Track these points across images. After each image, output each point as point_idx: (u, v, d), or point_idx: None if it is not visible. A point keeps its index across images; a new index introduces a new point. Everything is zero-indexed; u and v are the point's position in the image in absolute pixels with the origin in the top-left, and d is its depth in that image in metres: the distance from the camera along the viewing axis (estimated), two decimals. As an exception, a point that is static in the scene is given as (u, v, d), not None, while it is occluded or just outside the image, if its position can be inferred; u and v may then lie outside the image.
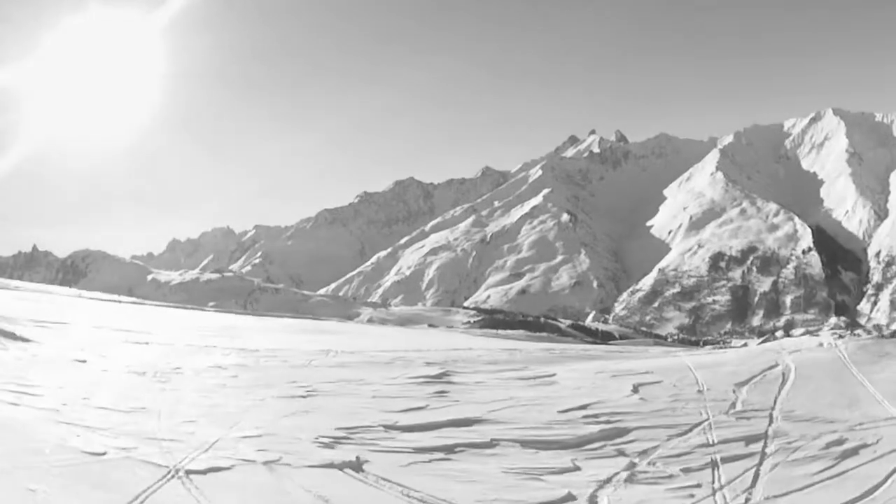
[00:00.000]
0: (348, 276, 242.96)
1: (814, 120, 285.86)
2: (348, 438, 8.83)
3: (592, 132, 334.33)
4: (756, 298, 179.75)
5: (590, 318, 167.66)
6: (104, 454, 7.41)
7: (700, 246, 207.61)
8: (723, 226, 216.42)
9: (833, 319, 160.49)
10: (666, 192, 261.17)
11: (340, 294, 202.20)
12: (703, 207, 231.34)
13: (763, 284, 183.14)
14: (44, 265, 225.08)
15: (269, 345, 21.24)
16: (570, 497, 6.60)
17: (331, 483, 7.05)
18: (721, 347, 41.07)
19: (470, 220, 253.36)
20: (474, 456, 8.25)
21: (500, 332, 42.42)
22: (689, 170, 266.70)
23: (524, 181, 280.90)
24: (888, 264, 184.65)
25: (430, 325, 69.19)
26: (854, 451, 8.16)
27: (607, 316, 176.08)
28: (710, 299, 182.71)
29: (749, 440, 8.61)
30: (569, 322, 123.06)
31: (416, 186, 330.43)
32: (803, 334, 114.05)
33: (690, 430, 9.10)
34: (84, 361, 15.51)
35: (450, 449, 8.45)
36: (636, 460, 7.88)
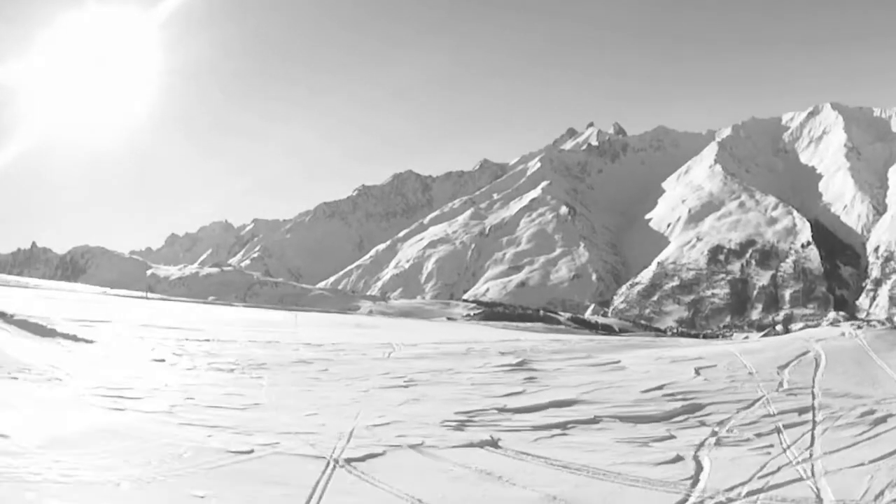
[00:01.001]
0: (347, 269, 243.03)
1: (812, 114, 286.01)
2: (471, 421, 9.77)
3: (591, 125, 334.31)
4: (755, 292, 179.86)
5: (589, 311, 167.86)
6: (251, 452, 7.61)
7: (699, 239, 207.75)
8: (721, 219, 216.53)
9: (832, 314, 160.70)
10: (664, 184, 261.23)
11: (339, 287, 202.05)
12: (702, 200, 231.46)
13: (762, 278, 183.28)
14: (43, 262, 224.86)
15: (328, 339, 22.08)
16: (679, 458, 7.78)
17: (479, 459, 7.75)
18: (725, 340, 41.26)
19: (468, 212, 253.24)
20: (585, 431, 9.42)
21: (521, 324, 43.37)
22: (687, 163, 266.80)
23: (523, 174, 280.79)
24: (887, 259, 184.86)
25: (449, 319, 69.78)
26: (883, 420, 9.70)
27: (606, 309, 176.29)
28: (709, 293, 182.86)
29: (801, 411, 10.23)
30: (568, 315, 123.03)
31: (414, 179, 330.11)
32: (802, 328, 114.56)
33: (753, 404, 10.71)
34: (162, 360, 15.76)
35: (563, 426, 9.59)
36: (716, 429, 9.29)
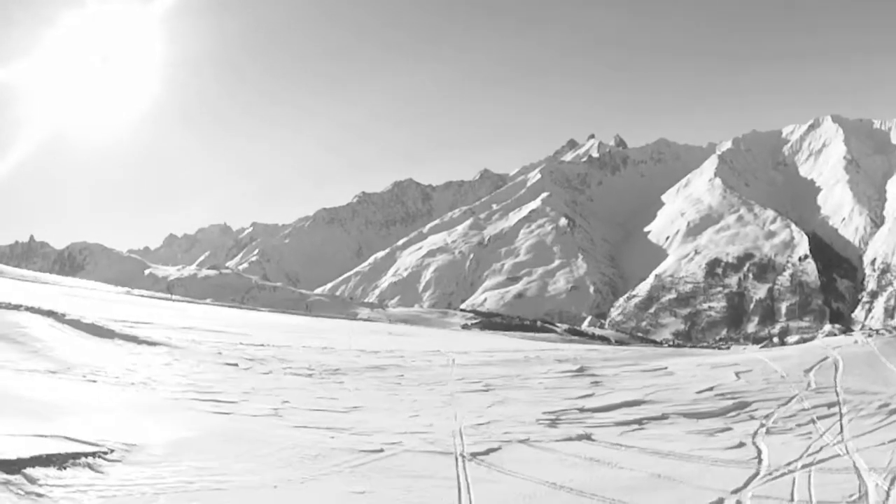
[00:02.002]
0: (345, 275, 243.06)
1: (812, 127, 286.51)
2: (560, 419, 11.00)
3: (592, 136, 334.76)
4: (752, 305, 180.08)
5: (586, 322, 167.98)
6: (381, 451, 8.33)
7: (697, 252, 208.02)
8: (720, 232, 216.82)
9: (827, 327, 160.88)
10: (664, 197, 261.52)
11: (337, 294, 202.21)
12: (701, 213, 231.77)
13: (759, 291, 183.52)
14: (40, 256, 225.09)
15: (377, 346, 23.46)
16: (742, 444, 9.41)
17: (582, 449, 8.92)
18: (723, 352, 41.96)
19: (468, 222, 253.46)
20: (658, 425, 10.85)
21: (538, 335, 44.88)
22: (687, 176, 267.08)
23: (523, 185, 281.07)
24: (883, 272, 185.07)
25: (464, 327, 70.45)
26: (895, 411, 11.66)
27: (603, 321, 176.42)
28: (705, 305, 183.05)
29: (828, 405, 12.01)
30: (565, 326, 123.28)
31: (414, 188, 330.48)
32: (798, 341, 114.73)
33: (789, 401, 12.53)
34: (235, 365, 16.42)
35: (638, 422, 11.00)
36: (764, 421, 11.00)
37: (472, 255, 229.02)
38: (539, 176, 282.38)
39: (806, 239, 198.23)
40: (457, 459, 8.07)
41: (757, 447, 9.15)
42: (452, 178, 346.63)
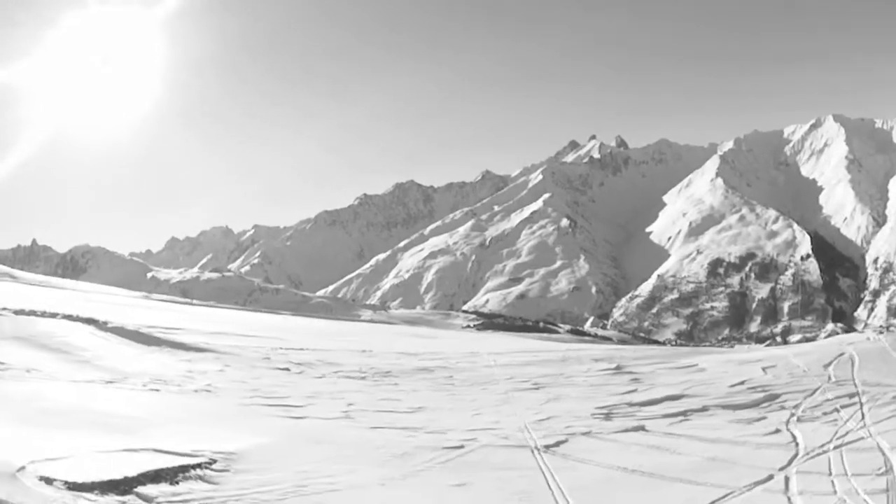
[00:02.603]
0: (347, 277, 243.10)
1: (814, 126, 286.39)
2: (612, 413, 11.86)
3: (593, 137, 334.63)
4: (754, 305, 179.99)
5: (588, 323, 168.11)
6: (462, 447, 8.89)
7: (699, 252, 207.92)
8: (722, 232, 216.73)
9: (830, 326, 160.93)
10: (665, 198, 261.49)
11: (339, 296, 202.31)
12: (703, 214, 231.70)
13: (761, 291, 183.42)
14: (43, 260, 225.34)
15: (413, 349, 24.42)
16: (778, 430, 10.34)
17: (640, 439, 9.83)
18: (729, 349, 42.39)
19: (469, 223, 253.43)
20: (700, 416, 11.68)
21: (552, 335, 45.91)
22: (688, 176, 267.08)
23: (524, 186, 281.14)
24: (885, 271, 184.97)
25: (466, 328, 71.07)
26: (910, 399, 12.80)
27: (605, 322, 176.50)
28: (708, 305, 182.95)
29: (849, 396, 12.85)
30: (567, 327, 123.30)
31: (415, 189, 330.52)
32: (800, 341, 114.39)
33: (814, 392, 13.40)
34: (287, 370, 16.86)
35: (683, 414, 11.82)
36: (794, 410, 11.84)
37: (473, 257, 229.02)
38: (540, 177, 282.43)
39: (808, 238, 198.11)
40: (532, 452, 8.80)
41: (791, 433, 10.12)
42: (454, 179, 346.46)
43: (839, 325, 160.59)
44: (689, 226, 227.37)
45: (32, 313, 22.29)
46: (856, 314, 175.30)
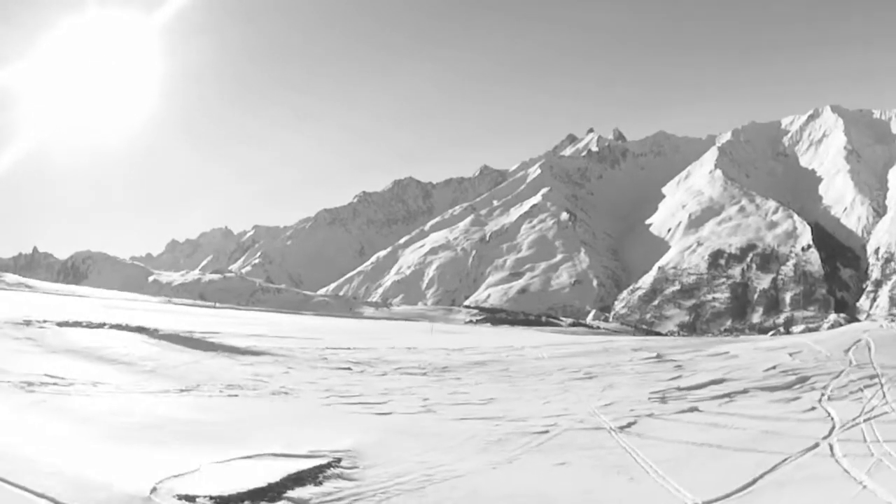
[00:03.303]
0: (348, 275, 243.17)
1: (812, 117, 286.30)
2: (666, 397, 12.77)
3: (591, 131, 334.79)
4: (756, 296, 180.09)
5: (590, 316, 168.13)
6: (547, 432, 9.59)
7: (699, 244, 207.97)
8: (722, 223, 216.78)
9: (832, 316, 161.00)
10: (665, 190, 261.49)
11: (340, 294, 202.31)
12: (702, 205, 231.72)
13: (763, 282, 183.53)
14: (44, 267, 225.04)
15: (457, 344, 25.67)
16: (813, 408, 11.25)
17: (697, 418, 10.72)
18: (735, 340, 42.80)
19: (469, 219, 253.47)
20: (744, 398, 12.58)
21: (567, 328, 47.08)
22: (687, 168, 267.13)
23: (523, 180, 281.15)
24: (887, 261, 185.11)
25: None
26: (926, 379, 14.13)
27: (607, 314, 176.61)
28: (709, 297, 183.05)
29: (870, 377, 13.89)
30: (570, 321, 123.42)
31: (414, 186, 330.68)
32: (803, 331, 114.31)
33: (839, 374, 14.47)
34: (349, 369, 17.45)
35: (728, 395, 12.77)
36: (823, 391, 12.79)
37: (474, 252, 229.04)
38: (539, 171, 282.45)
39: (808, 229, 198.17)
40: (609, 432, 9.58)
41: (825, 409, 11.08)
42: (452, 175, 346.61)
43: (842, 315, 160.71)
44: (689, 217, 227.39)
45: (77, 324, 22.02)
46: (858, 304, 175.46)
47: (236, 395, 12.64)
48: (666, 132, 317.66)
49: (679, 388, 13.67)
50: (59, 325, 21.52)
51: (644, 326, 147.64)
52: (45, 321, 21.97)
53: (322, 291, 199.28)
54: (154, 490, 6.37)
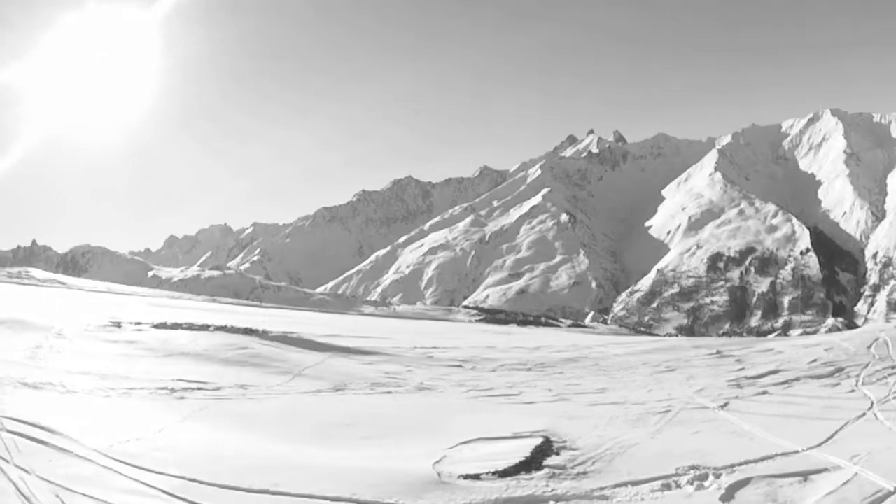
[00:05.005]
0: (347, 274, 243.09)
1: (812, 120, 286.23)
2: (741, 384, 14.90)
3: (591, 132, 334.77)
4: (754, 299, 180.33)
5: (588, 318, 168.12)
6: (669, 411, 11.57)
7: (699, 246, 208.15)
8: (721, 226, 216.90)
9: (830, 320, 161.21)
10: (664, 192, 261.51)
11: (339, 292, 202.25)
12: (702, 208, 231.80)
13: (761, 285, 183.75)
14: (43, 260, 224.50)
15: (528, 344, 27.20)
16: (853, 391, 13.62)
17: (772, 399, 13.03)
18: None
19: (469, 219, 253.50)
20: (798, 384, 14.87)
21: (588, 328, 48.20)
22: (687, 170, 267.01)
23: (523, 181, 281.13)
24: (885, 265, 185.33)
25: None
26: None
27: (606, 316, 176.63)
28: (708, 300, 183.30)
29: (892, 367, 16.48)
30: (569, 322, 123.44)
31: (414, 185, 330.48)
32: (801, 335, 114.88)
33: (867, 366, 16.97)
34: (460, 366, 18.59)
35: (787, 382, 15.09)
36: (857, 378, 15.19)
37: (473, 252, 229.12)
38: (539, 172, 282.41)
39: (807, 233, 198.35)
40: (713, 410, 11.63)
41: (863, 391, 13.46)
42: (452, 175, 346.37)
43: (839, 319, 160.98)
44: (689, 220, 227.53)
45: (177, 326, 21.67)
46: (856, 309, 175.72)
47: (389, 392, 13.70)
48: (666, 134, 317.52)
49: (747, 377, 16.01)
50: (156, 327, 21.24)
51: (642, 329, 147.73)
52: (138, 323, 21.64)
53: (320, 290, 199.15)
54: (439, 474, 7.43)
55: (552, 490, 7.03)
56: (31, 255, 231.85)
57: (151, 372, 14.19)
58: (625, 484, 7.21)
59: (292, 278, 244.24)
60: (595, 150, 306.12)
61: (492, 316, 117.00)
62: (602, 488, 7.09)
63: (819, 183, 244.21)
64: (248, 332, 21.31)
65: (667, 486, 7.17)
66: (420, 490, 6.90)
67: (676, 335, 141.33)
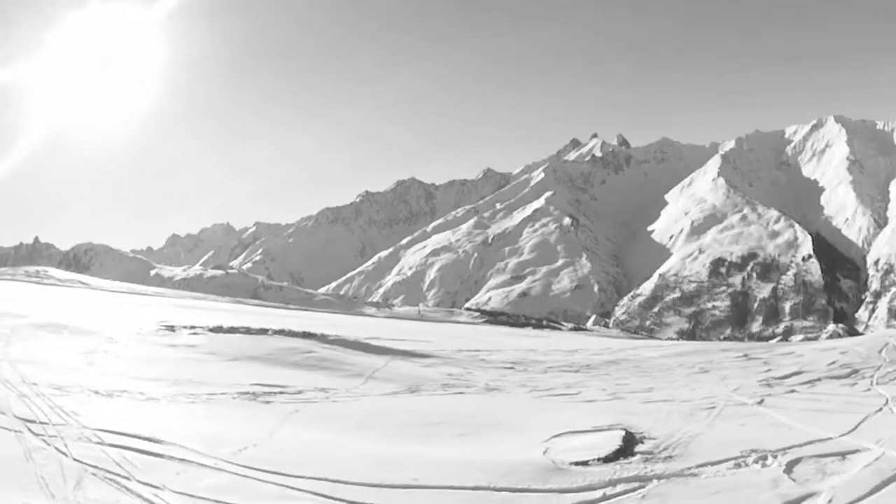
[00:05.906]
0: (349, 275, 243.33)
1: (815, 127, 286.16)
2: (771, 383, 16.11)
3: (594, 136, 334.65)
4: (756, 305, 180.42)
5: (590, 321, 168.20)
6: (714, 407, 12.60)
7: (701, 251, 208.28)
8: (724, 231, 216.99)
9: (831, 326, 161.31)
10: (667, 196, 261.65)
11: (341, 293, 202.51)
12: (705, 213, 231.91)
13: (763, 291, 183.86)
14: (45, 258, 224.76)
15: (567, 347, 28.82)
16: (869, 389, 14.74)
17: (800, 396, 14.13)
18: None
19: (471, 221, 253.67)
20: (820, 384, 15.97)
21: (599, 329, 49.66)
22: (690, 175, 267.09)
23: (526, 184, 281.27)
24: (886, 272, 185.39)
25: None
26: (952, 371, 17.57)
27: (607, 320, 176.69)
28: (709, 305, 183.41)
29: None
30: (570, 326, 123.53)
31: (417, 187, 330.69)
32: (802, 340, 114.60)
33: (879, 367, 18.02)
34: (511, 368, 19.55)
35: (810, 382, 16.19)
36: (872, 379, 16.26)
37: (476, 254, 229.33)
38: (542, 175, 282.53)
39: (809, 239, 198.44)
40: (752, 406, 12.78)
41: (878, 390, 14.58)
42: (455, 177, 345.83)
43: (840, 325, 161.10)
44: (691, 225, 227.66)
45: (234, 330, 21.77)
46: (857, 315, 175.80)
47: (461, 393, 14.53)
48: (670, 139, 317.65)
49: (775, 378, 17.17)
50: (212, 330, 21.28)
51: (644, 333, 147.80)
52: (193, 327, 21.67)
53: (322, 290, 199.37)
54: (553, 462, 8.40)
55: (651, 471, 8.15)
56: (34, 253, 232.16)
57: (225, 376, 14.19)
58: (706, 464, 8.42)
59: (294, 278, 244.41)
60: (598, 153, 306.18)
61: (494, 318, 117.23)
62: (689, 468, 8.26)
63: (822, 189, 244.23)
64: (306, 335, 21.58)
65: (738, 465, 8.41)
66: (545, 476, 7.79)
67: (678, 340, 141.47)
